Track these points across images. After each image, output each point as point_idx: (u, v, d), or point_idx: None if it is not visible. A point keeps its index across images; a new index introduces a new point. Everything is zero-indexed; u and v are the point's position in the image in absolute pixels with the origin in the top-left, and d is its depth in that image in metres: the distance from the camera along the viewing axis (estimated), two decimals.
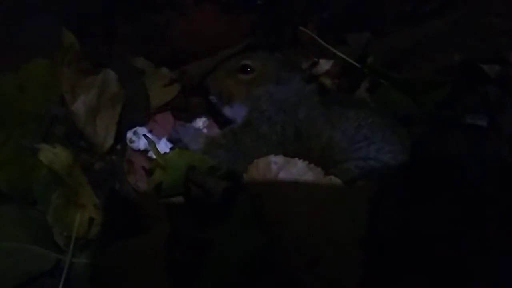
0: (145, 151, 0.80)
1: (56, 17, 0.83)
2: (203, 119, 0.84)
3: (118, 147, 0.81)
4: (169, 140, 0.81)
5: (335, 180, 0.62)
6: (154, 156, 0.78)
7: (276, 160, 0.63)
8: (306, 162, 0.62)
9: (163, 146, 0.79)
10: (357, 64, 0.85)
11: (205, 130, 0.83)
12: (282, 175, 0.63)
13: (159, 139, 0.80)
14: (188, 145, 0.78)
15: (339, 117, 0.70)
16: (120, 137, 0.81)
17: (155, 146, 0.75)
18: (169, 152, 0.76)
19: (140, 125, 0.82)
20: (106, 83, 0.80)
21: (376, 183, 0.64)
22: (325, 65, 0.86)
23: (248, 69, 0.78)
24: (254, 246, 0.59)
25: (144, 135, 0.78)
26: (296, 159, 0.63)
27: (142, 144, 0.79)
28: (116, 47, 0.87)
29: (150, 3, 0.86)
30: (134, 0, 0.87)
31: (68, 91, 0.77)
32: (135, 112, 0.83)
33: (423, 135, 0.75)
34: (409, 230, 0.64)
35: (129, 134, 0.80)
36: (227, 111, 0.80)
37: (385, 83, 0.80)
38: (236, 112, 0.79)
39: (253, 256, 0.58)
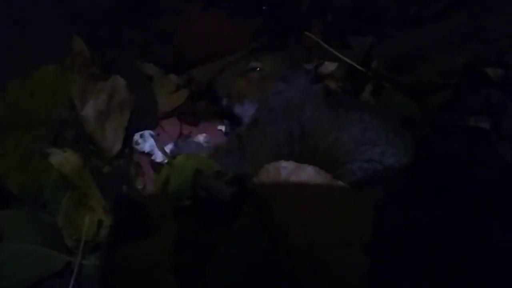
0: (150, 154, 0.81)
1: (65, 23, 0.85)
2: (204, 135, 0.85)
3: (126, 151, 0.82)
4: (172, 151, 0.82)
5: (343, 185, 0.61)
6: (158, 160, 0.80)
7: (286, 166, 0.63)
8: (316, 167, 0.62)
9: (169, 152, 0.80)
10: (361, 68, 0.85)
11: (205, 145, 0.84)
12: (291, 180, 0.62)
13: (165, 145, 0.81)
14: None
15: (344, 119, 0.71)
16: (128, 142, 0.82)
17: (161, 144, 0.76)
18: None
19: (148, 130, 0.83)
20: (115, 88, 0.82)
21: (382, 187, 0.64)
22: (330, 66, 0.87)
23: (258, 69, 0.80)
24: (260, 250, 0.59)
25: (150, 134, 0.79)
26: (306, 164, 0.62)
27: (147, 146, 0.81)
28: (124, 53, 0.88)
29: (156, 9, 0.87)
30: (141, 6, 0.88)
31: (77, 96, 0.79)
32: (143, 118, 0.84)
33: (426, 138, 0.75)
34: (413, 233, 0.64)
35: (136, 137, 0.81)
36: (238, 109, 0.81)
37: (389, 86, 0.81)
38: (245, 110, 0.80)
39: (259, 260, 0.58)
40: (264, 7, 0.87)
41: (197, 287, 0.57)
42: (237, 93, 0.81)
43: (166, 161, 0.78)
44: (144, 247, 0.62)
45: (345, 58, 0.87)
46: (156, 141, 0.79)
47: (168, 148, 0.81)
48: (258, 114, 0.76)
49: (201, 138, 0.84)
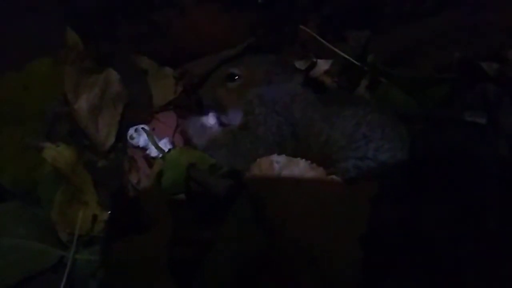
0: (144, 149, 0.81)
1: (59, 16, 0.84)
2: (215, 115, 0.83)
3: (120, 145, 0.82)
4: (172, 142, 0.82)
5: (336, 179, 0.61)
6: (152, 154, 0.79)
7: (278, 160, 0.63)
8: (308, 162, 0.62)
9: (163, 146, 0.80)
10: (356, 62, 0.85)
11: (216, 126, 0.82)
12: (284, 174, 0.62)
13: (160, 139, 0.81)
14: (192, 138, 0.78)
15: (337, 115, 0.70)
16: (122, 136, 0.81)
17: (154, 138, 0.76)
18: None
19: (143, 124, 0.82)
20: (109, 82, 0.81)
21: (377, 182, 0.64)
22: (323, 65, 0.85)
23: (236, 77, 0.78)
24: (255, 245, 0.59)
25: (143, 128, 0.79)
26: (299, 158, 0.62)
27: (142, 141, 0.80)
28: (118, 46, 0.87)
29: (151, 2, 0.86)
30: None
31: (71, 90, 0.78)
32: (138, 111, 0.84)
33: (422, 133, 0.75)
34: (408, 229, 0.64)
35: (131, 131, 0.81)
36: (225, 120, 0.80)
37: (385, 81, 0.81)
38: (232, 118, 0.78)
39: (254, 255, 0.59)
40: (259, 1, 0.86)
41: (191, 283, 0.57)
42: (221, 104, 0.79)
43: (160, 155, 0.78)
44: (139, 243, 0.62)
45: (341, 53, 0.86)
46: (150, 135, 0.79)
47: (161, 143, 0.80)
48: (245, 119, 0.75)
49: (212, 120, 0.82)
